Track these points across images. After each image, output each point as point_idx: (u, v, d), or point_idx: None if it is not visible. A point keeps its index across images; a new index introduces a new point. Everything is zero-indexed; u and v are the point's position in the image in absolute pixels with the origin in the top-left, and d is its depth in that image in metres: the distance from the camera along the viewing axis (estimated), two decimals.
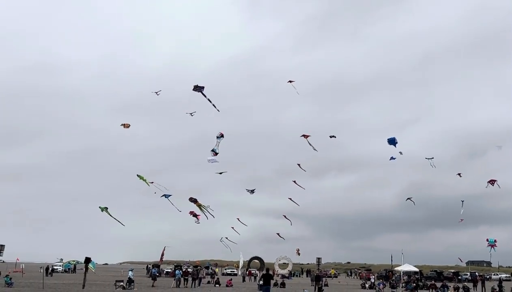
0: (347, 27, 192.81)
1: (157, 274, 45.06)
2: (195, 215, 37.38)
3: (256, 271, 63.09)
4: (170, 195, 38.55)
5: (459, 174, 49.47)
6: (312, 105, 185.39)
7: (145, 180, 38.25)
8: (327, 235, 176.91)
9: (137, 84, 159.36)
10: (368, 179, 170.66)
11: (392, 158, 43.04)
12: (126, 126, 41.48)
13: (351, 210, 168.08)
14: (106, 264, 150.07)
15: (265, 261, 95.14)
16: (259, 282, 43.31)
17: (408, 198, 54.29)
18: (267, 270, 30.09)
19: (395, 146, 40.64)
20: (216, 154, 35.08)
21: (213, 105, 31.31)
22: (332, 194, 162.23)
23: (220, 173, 41.38)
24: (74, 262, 76.38)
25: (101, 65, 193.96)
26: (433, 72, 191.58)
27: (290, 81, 39.39)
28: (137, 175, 38.81)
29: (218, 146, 34.35)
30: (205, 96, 30.28)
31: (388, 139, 40.78)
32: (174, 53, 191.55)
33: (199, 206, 36.54)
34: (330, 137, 47.64)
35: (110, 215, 38.62)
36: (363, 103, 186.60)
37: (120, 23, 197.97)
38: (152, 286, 40.15)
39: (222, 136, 34.50)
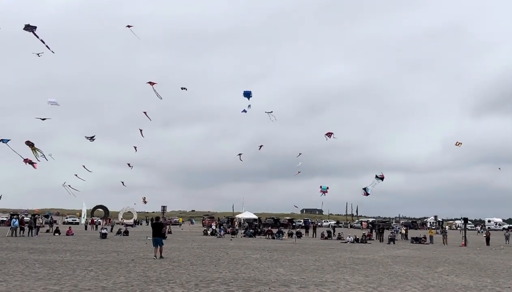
0: None
1: None
2: (31, 163, 35.58)
3: (99, 220, 62.29)
4: (8, 140, 36.05)
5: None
6: (166, 54, 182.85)
7: None
8: (174, 184, 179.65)
9: None
10: (216, 131, 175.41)
11: (244, 111, 43.92)
12: None
13: (199, 160, 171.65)
14: None
15: (110, 210, 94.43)
16: (101, 230, 43.14)
17: (239, 154, 57.28)
18: (157, 218, 26.44)
19: (248, 99, 41.74)
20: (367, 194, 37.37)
21: (47, 46, 29.56)
22: (180, 145, 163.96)
23: (43, 119, 39.57)
24: None
25: None
26: (283, 30, 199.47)
27: (129, 26, 38.29)
28: None
29: None
30: (37, 37, 28.45)
31: (244, 92, 41.57)
32: None
33: (34, 150, 34.75)
34: (182, 89, 47.63)
35: None
36: (216, 55, 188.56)
37: None
38: None
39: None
